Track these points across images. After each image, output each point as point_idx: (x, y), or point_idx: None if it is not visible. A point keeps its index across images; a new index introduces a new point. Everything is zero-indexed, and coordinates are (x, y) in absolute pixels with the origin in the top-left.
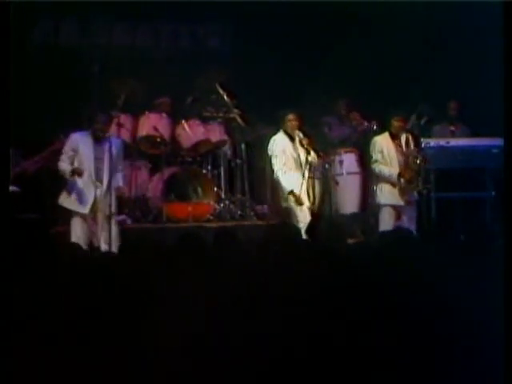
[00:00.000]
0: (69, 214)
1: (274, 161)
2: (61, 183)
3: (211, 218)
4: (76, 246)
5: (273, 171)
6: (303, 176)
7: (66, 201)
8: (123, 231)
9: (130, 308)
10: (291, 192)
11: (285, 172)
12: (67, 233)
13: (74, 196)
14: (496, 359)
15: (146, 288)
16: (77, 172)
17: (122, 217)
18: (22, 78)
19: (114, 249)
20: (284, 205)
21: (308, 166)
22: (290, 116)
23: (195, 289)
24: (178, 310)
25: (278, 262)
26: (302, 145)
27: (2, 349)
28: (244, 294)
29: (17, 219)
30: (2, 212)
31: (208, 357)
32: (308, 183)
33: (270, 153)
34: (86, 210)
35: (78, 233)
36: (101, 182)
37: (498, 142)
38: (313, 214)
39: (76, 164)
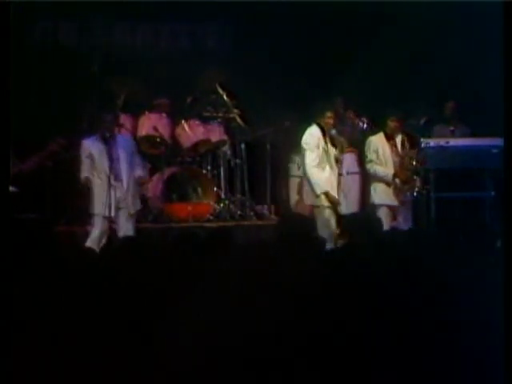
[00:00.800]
0: (86, 216)
1: (307, 155)
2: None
3: (211, 218)
4: (75, 245)
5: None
6: (337, 174)
7: (92, 207)
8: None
9: (130, 308)
10: (326, 192)
11: (317, 169)
12: (69, 233)
13: (97, 200)
14: (495, 360)
15: (146, 287)
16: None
17: None
18: (22, 78)
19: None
20: (316, 203)
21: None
22: (329, 113)
23: (195, 288)
24: (178, 309)
25: (278, 262)
26: (333, 144)
27: (1, 349)
28: (244, 293)
29: (16, 219)
30: (2, 212)
31: (208, 356)
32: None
33: (304, 146)
34: (110, 212)
35: (96, 234)
36: (121, 181)
37: (498, 142)
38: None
39: (93, 170)
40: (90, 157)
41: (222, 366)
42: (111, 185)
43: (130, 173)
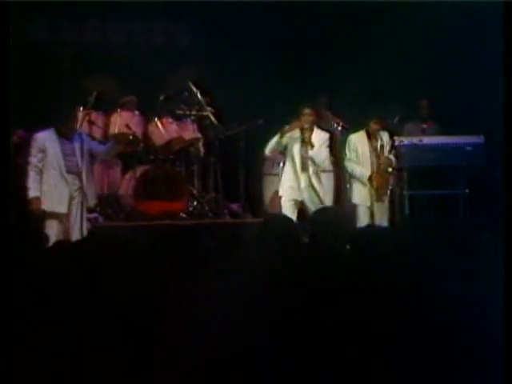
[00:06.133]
0: (42, 216)
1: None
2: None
3: (184, 216)
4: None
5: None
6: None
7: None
8: (95, 229)
9: (101, 308)
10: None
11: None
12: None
13: (48, 196)
14: (489, 363)
15: (118, 287)
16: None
17: (94, 215)
18: None
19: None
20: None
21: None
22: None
23: (168, 288)
24: (150, 309)
25: (256, 261)
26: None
27: None
28: (219, 293)
29: None
30: None
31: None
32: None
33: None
34: (64, 209)
35: (53, 233)
36: (77, 177)
37: (471, 139)
38: None
39: (46, 164)
40: (43, 150)
41: (200, 367)
42: (64, 178)
43: (87, 166)
